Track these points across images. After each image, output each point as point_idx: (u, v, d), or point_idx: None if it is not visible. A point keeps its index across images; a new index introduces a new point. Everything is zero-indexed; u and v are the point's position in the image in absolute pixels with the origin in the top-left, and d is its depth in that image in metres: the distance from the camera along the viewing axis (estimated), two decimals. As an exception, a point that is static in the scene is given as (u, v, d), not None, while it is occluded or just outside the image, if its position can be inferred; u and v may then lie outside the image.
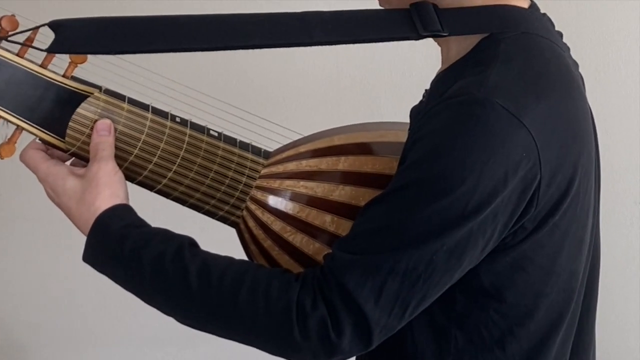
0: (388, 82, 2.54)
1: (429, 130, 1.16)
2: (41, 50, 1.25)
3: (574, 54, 1.36)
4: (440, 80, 1.29)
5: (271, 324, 1.17)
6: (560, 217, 1.22)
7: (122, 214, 1.28)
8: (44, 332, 2.77)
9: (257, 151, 1.41)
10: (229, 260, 1.23)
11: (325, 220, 1.33)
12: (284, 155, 1.40)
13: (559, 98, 1.21)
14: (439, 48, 1.34)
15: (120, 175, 1.31)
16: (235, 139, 1.40)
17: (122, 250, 1.23)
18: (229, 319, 1.19)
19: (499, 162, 1.12)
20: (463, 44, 1.27)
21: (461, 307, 1.25)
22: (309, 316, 1.15)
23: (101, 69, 1.37)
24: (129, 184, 1.33)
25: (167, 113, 1.37)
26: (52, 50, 1.23)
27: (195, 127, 1.38)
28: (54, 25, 1.24)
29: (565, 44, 1.34)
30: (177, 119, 1.37)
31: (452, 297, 1.23)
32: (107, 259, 1.26)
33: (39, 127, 1.32)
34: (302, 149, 1.40)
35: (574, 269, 1.30)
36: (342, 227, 1.32)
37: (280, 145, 1.45)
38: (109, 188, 1.29)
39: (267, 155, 1.42)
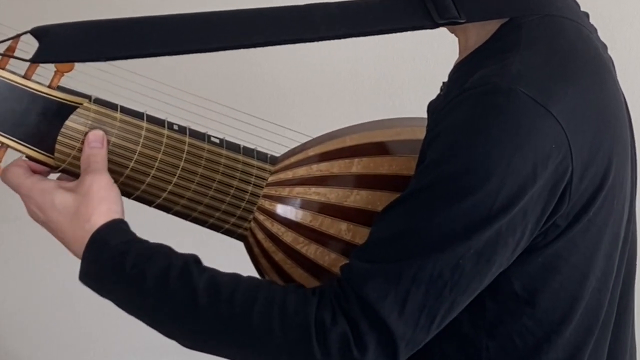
0: (412, 74, 2.48)
1: (448, 124, 1.14)
2: (24, 60, 1.22)
3: (615, 40, 1.33)
4: (459, 71, 1.26)
5: (288, 341, 1.13)
6: (595, 213, 1.19)
7: (120, 229, 1.24)
8: (38, 339, 2.76)
9: (263, 157, 1.37)
10: (238, 277, 1.20)
11: (341, 229, 1.30)
12: (293, 160, 1.36)
13: (589, 83, 1.18)
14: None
15: (116, 189, 1.27)
16: (238, 145, 1.36)
17: (123, 266, 1.19)
18: (242, 338, 1.15)
19: (526, 155, 1.09)
20: (482, 32, 1.24)
21: (492, 315, 1.22)
22: (329, 332, 1.11)
23: (90, 77, 1.33)
24: (124, 199, 1.29)
25: (163, 121, 1.33)
26: (37, 59, 1.21)
27: (194, 134, 1.34)
28: (37, 32, 1.21)
29: (592, 25, 1.31)
30: (175, 127, 1.33)
31: (481, 305, 1.19)
32: (106, 277, 1.22)
33: (25, 144, 1.27)
34: (312, 152, 1.36)
35: (610, 267, 1.26)
36: (359, 235, 1.29)
37: (287, 150, 1.41)
38: (105, 203, 1.24)
39: (274, 160, 1.38)
